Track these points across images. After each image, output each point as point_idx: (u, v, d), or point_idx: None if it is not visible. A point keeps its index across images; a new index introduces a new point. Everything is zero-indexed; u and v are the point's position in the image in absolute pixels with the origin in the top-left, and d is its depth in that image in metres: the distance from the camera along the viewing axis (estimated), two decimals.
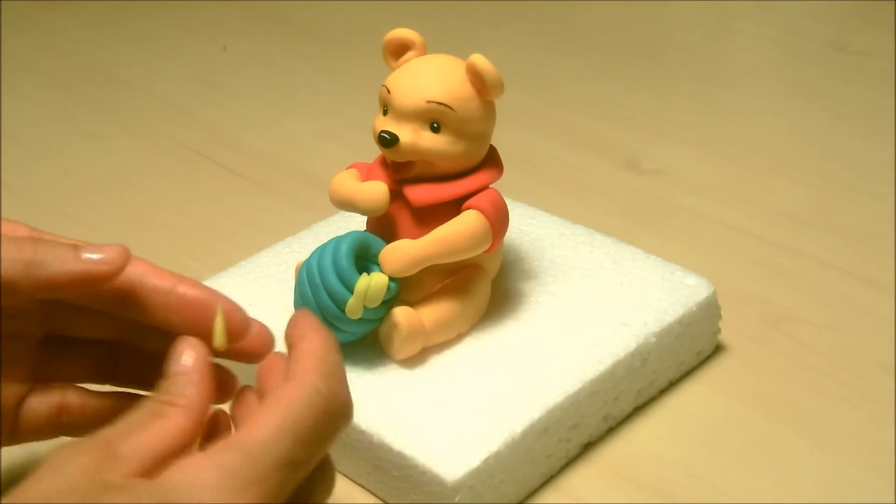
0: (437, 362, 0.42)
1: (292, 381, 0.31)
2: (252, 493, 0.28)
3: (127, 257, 0.34)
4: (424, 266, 0.42)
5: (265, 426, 0.30)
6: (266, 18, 0.93)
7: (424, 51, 0.43)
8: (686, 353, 0.46)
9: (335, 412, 0.31)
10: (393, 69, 0.43)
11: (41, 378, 0.37)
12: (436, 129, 0.41)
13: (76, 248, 0.34)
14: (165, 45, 0.88)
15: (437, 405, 0.40)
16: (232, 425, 0.34)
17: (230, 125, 0.72)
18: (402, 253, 0.41)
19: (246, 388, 0.35)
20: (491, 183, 0.43)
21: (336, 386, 0.32)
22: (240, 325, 0.35)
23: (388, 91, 0.42)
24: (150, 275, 0.36)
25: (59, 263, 0.33)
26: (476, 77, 0.41)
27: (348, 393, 0.32)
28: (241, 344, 0.35)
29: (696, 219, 0.59)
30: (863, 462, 0.41)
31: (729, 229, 0.58)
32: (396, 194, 0.42)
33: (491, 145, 0.44)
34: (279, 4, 0.94)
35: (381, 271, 0.41)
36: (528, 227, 0.51)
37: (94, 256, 0.33)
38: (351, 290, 0.40)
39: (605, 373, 0.42)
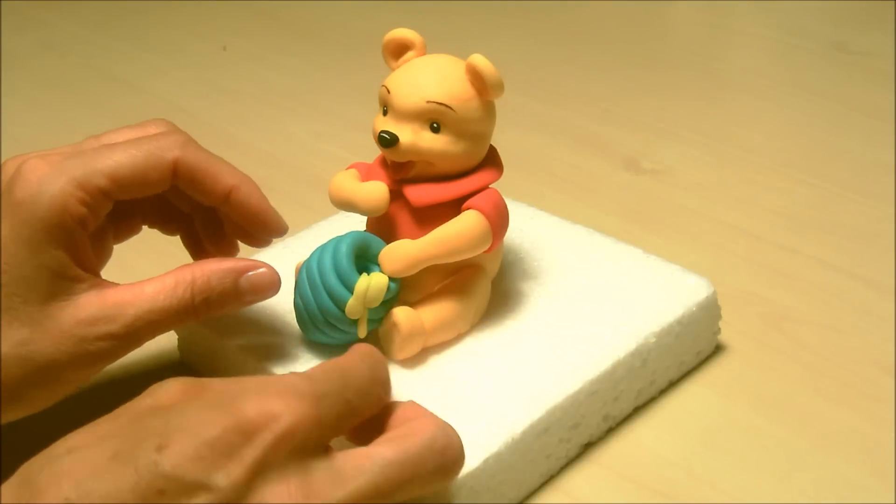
0: (437, 362, 0.42)
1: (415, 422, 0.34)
2: (316, 407, 0.31)
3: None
4: (424, 266, 0.42)
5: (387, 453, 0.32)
6: (266, 18, 0.93)
7: (424, 51, 0.43)
8: (686, 353, 0.46)
9: (446, 460, 0.33)
10: (393, 69, 0.43)
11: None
12: (436, 130, 0.41)
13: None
14: (165, 45, 0.88)
15: (437, 405, 0.40)
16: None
17: (230, 125, 0.72)
18: (402, 253, 0.41)
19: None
20: (491, 183, 0.43)
21: (453, 437, 0.34)
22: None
23: (388, 91, 0.42)
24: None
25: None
26: (476, 77, 0.41)
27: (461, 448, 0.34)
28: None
29: (696, 219, 0.59)
30: (863, 462, 0.41)
31: (729, 229, 0.58)
32: (396, 194, 0.42)
33: (491, 145, 0.44)
34: (279, 4, 0.94)
35: (381, 271, 0.41)
36: (528, 227, 0.51)
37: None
38: (351, 290, 0.40)
39: (605, 373, 0.42)
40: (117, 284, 0.39)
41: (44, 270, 0.36)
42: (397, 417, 0.35)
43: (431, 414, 0.35)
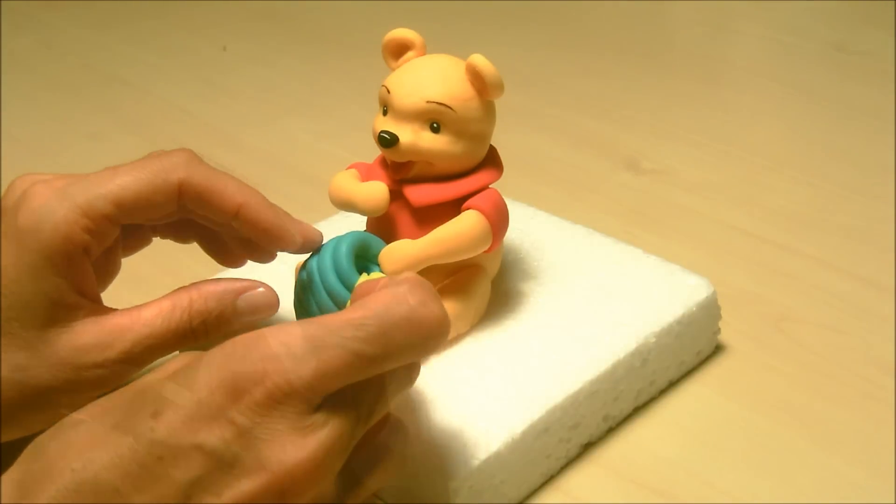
0: (437, 362, 0.42)
1: (383, 290, 0.33)
2: (309, 362, 0.31)
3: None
4: (424, 266, 0.42)
5: (343, 317, 0.32)
6: (266, 18, 0.93)
7: (424, 51, 0.43)
8: (686, 353, 0.46)
9: (423, 324, 0.32)
10: (393, 69, 0.43)
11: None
12: (436, 130, 0.41)
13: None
14: (165, 45, 0.88)
15: (437, 405, 0.40)
16: None
17: (230, 125, 0.72)
18: (402, 253, 0.41)
19: None
20: (491, 183, 0.43)
21: (430, 300, 0.33)
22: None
23: (388, 91, 0.42)
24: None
25: None
26: (476, 77, 0.41)
27: (442, 310, 0.33)
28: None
29: (696, 219, 0.59)
30: (863, 462, 0.41)
31: (729, 229, 0.58)
32: (396, 194, 0.42)
33: (491, 145, 0.44)
34: (279, 4, 0.95)
35: (381, 271, 0.41)
36: (528, 227, 0.51)
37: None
38: (351, 290, 0.40)
39: (605, 373, 0.42)
40: (115, 310, 0.39)
41: (43, 297, 0.37)
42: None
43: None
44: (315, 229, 0.41)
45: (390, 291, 0.32)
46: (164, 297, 0.39)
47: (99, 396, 0.33)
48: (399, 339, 0.32)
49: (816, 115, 0.72)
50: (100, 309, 0.39)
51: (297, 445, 0.30)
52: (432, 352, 0.33)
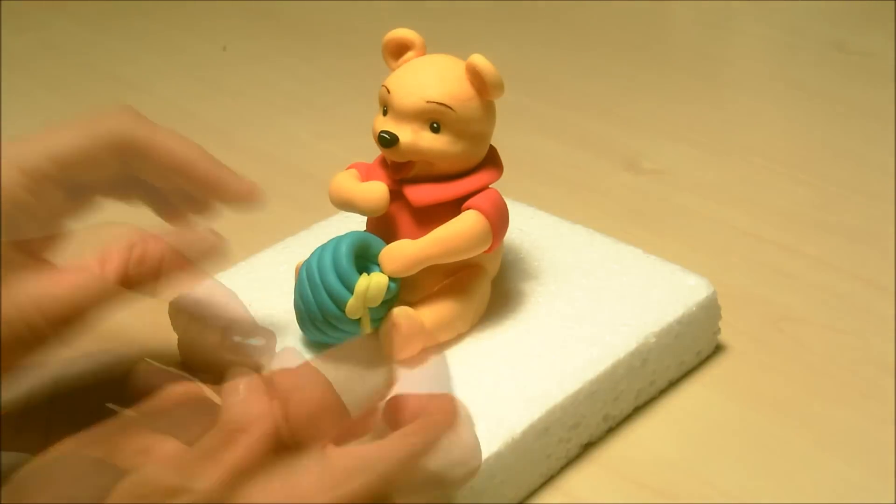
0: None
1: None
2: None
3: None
4: (424, 266, 0.42)
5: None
6: (266, 18, 0.93)
7: (424, 51, 0.43)
8: (686, 353, 0.46)
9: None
10: (393, 69, 0.43)
11: None
12: (436, 130, 0.41)
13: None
14: (165, 45, 0.88)
15: None
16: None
17: (230, 125, 0.72)
18: (402, 253, 0.41)
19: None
20: (491, 183, 0.43)
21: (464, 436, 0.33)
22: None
23: (388, 91, 0.42)
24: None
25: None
26: (476, 77, 0.41)
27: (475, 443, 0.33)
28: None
29: (696, 219, 0.59)
30: (863, 462, 0.41)
31: (729, 229, 0.58)
32: (396, 194, 0.42)
33: (491, 145, 0.44)
34: (279, 4, 0.94)
35: (381, 271, 0.41)
36: (528, 227, 0.51)
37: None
38: (351, 290, 0.40)
39: (605, 373, 0.42)
40: (58, 267, 0.38)
41: None
42: (403, 410, 0.34)
43: (443, 404, 0.34)
44: (255, 186, 0.40)
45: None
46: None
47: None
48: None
49: (816, 115, 0.72)
50: (43, 266, 0.37)
51: (288, 491, 0.29)
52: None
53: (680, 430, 0.44)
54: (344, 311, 0.40)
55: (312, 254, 0.42)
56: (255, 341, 0.39)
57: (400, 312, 0.41)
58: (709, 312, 0.46)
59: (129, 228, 0.37)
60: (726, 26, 0.88)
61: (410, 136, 0.41)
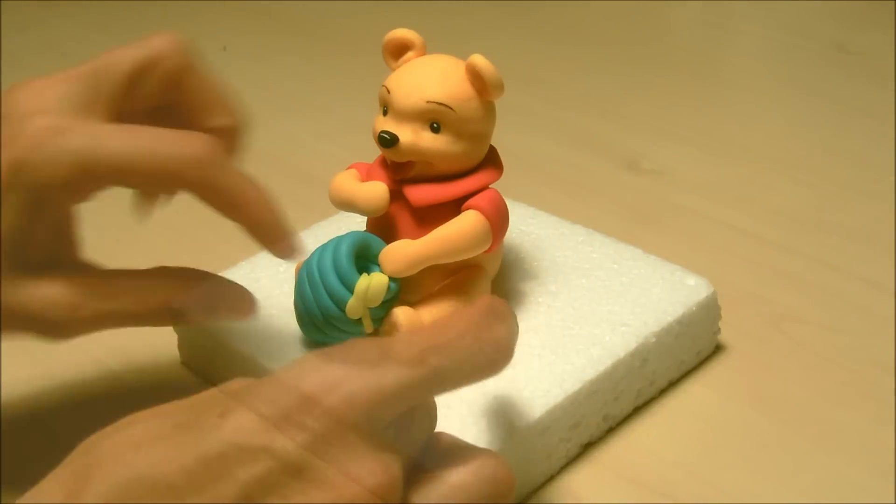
0: None
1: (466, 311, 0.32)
2: (388, 373, 0.29)
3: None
4: (424, 266, 0.42)
5: (423, 335, 0.31)
6: (266, 18, 0.93)
7: (424, 51, 0.43)
8: (686, 353, 0.46)
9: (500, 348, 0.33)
10: (393, 69, 0.43)
11: None
12: (436, 130, 0.41)
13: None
14: None
15: (437, 405, 0.40)
16: None
17: None
18: (402, 253, 0.41)
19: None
20: (491, 183, 0.43)
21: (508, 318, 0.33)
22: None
23: (388, 91, 0.42)
24: None
25: None
26: (476, 77, 0.41)
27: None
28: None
29: (696, 219, 0.59)
30: (863, 462, 0.41)
31: (729, 229, 0.58)
32: (396, 194, 0.42)
33: (491, 145, 0.44)
34: (279, 4, 0.94)
35: (381, 271, 0.41)
36: (528, 227, 0.51)
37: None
38: (351, 290, 0.40)
39: (605, 372, 0.42)
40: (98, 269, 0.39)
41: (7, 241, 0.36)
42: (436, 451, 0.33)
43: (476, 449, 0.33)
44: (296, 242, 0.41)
45: (469, 314, 0.32)
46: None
47: None
48: (474, 364, 0.32)
49: (816, 115, 0.72)
50: (81, 265, 0.39)
51: (381, 465, 0.29)
52: (494, 374, 0.33)
53: (680, 430, 0.44)
54: (344, 312, 0.41)
55: (312, 254, 0.42)
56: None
57: (400, 312, 0.41)
58: (709, 312, 0.46)
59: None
60: (726, 26, 0.88)
61: (410, 136, 0.41)
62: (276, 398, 0.28)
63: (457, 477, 0.31)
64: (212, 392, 0.30)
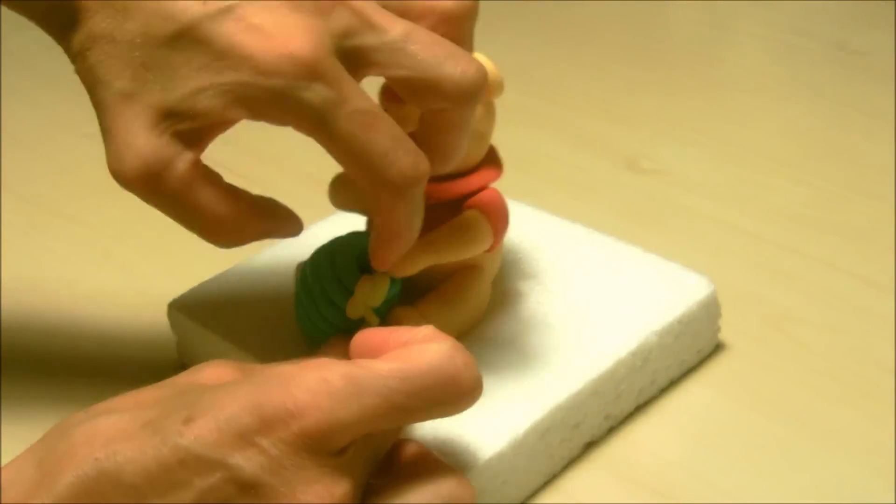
0: None
1: (428, 345, 0.33)
2: (350, 405, 0.30)
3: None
4: (425, 266, 0.42)
5: (388, 366, 0.31)
6: None
7: None
8: (687, 352, 0.46)
9: (463, 387, 0.33)
10: None
11: None
12: None
13: None
14: None
15: None
16: None
17: None
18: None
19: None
20: (491, 183, 0.43)
21: (471, 364, 0.33)
22: None
23: None
24: None
25: None
26: None
27: (478, 376, 0.33)
28: None
29: (696, 219, 0.59)
30: (863, 462, 0.41)
31: (729, 229, 0.58)
32: None
33: (491, 145, 0.44)
34: None
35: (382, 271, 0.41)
36: (528, 227, 0.51)
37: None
38: (351, 291, 0.40)
39: (606, 372, 0.42)
40: None
41: None
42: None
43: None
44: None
45: (436, 349, 0.32)
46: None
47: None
48: (437, 398, 0.32)
49: (816, 115, 0.72)
50: None
51: (327, 488, 0.30)
52: (458, 412, 0.33)
53: (681, 429, 0.44)
54: (344, 312, 0.40)
55: (312, 254, 0.42)
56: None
57: (400, 312, 0.41)
58: (709, 311, 0.46)
59: None
60: (726, 26, 0.88)
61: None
62: (238, 416, 0.29)
63: (416, 497, 0.32)
64: (185, 383, 0.32)
